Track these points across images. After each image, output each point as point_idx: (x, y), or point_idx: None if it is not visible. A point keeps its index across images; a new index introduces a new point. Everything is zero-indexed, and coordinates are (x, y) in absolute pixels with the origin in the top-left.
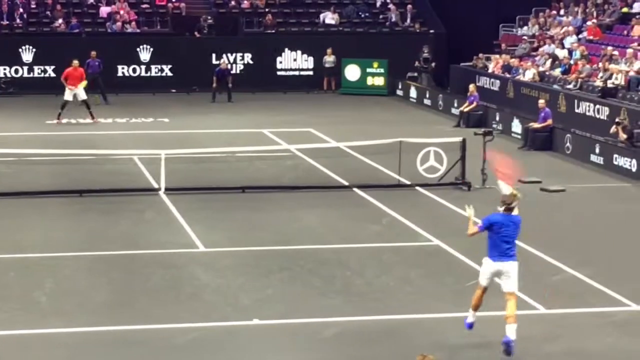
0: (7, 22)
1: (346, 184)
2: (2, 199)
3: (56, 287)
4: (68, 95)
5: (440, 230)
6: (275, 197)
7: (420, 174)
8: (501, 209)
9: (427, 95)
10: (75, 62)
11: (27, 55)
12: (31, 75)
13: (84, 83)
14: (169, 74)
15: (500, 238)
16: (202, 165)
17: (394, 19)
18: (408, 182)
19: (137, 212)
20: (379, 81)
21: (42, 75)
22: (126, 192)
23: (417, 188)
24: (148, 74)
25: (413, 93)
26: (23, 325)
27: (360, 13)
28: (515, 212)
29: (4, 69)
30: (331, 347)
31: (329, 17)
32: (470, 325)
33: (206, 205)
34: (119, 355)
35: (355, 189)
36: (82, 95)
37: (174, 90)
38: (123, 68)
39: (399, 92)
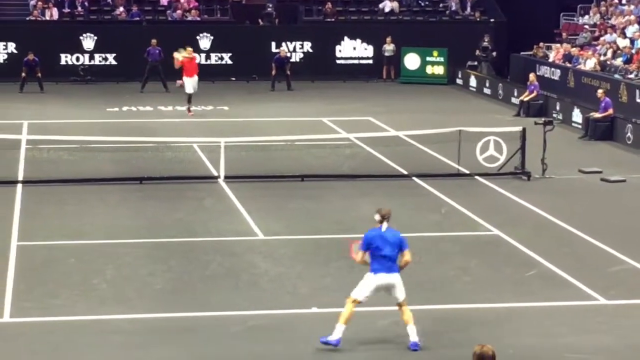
0: (69, 10)
1: (405, 172)
2: (64, 186)
3: (116, 273)
4: (189, 87)
5: (500, 220)
6: (334, 186)
7: (480, 163)
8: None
9: (487, 85)
10: (190, 49)
11: (88, 43)
12: (92, 63)
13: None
14: (229, 62)
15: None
16: (261, 153)
17: (454, 8)
18: (467, 172)
19: (196, 200)
20: (439, 70)
21: (103, 63)
22: (186, 180)
23: (477, 177)
24: (208, 62)
25: (473, 82)
26: (83, 311)
27: (420, 1)
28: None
29: (66, 57)
30: (387, 336)
31: (389, 5)
32: (338, 342)
33: (265, 194)
34: (176, 342)
35: (414, 178)
36: (194, 87)
37: (233, 79)
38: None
39: (459, 81)
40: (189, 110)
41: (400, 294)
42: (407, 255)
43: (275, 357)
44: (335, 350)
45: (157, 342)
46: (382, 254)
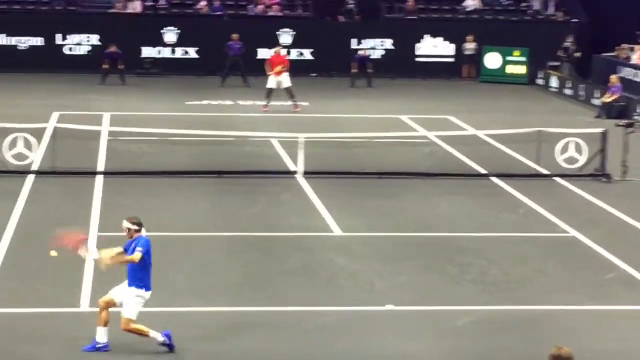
0: (152, 3)
1: (484, 172)
2: (142, 178)
3: (192, 266)
4: (271, 83)
5: (578, 222)
6: (412, 184)
7: (559, 164)
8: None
9: (568, 85)
10: (277, 48)
11: (170, 36)
12: (173, 56)
13: (278, 68)
14: (309, 57)
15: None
16: (340, 149)
17: (536, 7)
18: (546, 172)
19: (274, 195)
20: (520, 69)
21: (185, 56)
22: (264, 175)
23: (556, 178)
24: (288, 58)
25: (554, 82)
26: (159, 303)
27: (502, 0)
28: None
29: (147, 50)
30: (464, 336)
31: (471, 4)
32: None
33: (343, 190)
34: (251, 335)
35: (492, 178)
36: (286, 83)
37: (314, 74)
38: (264, 51)
39: (539, 81)
40: (264, 106)
41: None
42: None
43: (349, 353)
44: (407, 347)
45: (232, 336)
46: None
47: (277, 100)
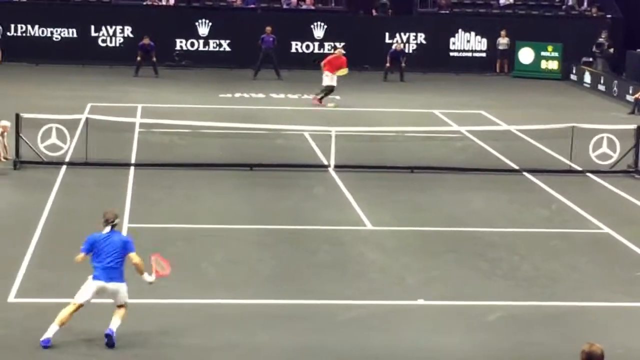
0: None
1: (516, 167)
2: (175, 170)
3: (224, 258)
4: (331, 81)
5: (611, 218)
6: (443, 179)
7: (592, 161)
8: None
9: (602, 81)
10: (339, 51)
11: (203, 28)
12: (206, 48)
13: (344, 71)
14: (342, 51)
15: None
16: (372, 143)
17: (570, 3)
18: (579, 168)
19: (306, 188)
20: (553, 65)
21: (217, 49)
22: (296, 168)
23: (589, 174)
24: (321, 51)
25: (587, 78)
26: (190, 295)
27: None
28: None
29: (180, 42)
30: (495, 331)
31: None
32: (48, 342)
33: (374, 184)
34: (282, 328)
35: (525, 173)
36: (329, 82)
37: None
38: (297, 44)
39: (573, 77)
40: (318, 99)
41: (122, 299)
42: (135, 258)
43: (379, 347)
44: (438, 341)
45: (262, 328)
46: (103, 260)
47: (310, 94)
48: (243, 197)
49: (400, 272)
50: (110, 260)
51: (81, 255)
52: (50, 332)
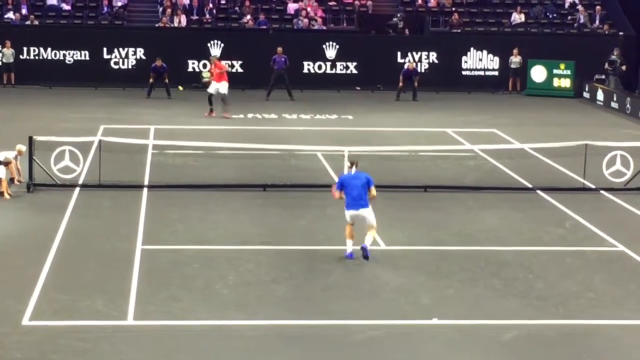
0: (197, 17)
1: (530, 186)
2: (189, 191)
3: (238, 279)
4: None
5: (626, 236)
6: (457, 197)
7: (606, 178)
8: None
9: (615, 98)
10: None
11: (215, 50)
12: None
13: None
14: (354, 71)
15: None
16: (384, 163)
17: (582, 20)
18: (593, 186)
19: (319, 208)
20: (566, 83)
21: (230, 70)
22: (309, 188)
23: (602, 192)
24: (333, 71)
25: (600, 96)
26: (204, 316)
27: (548, 13)
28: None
29: (193, 63)
30: (509, 350)
31: (516, 17)
32: (351, 255)
33: (388, 204)
34: (296, 349)
35: (538, 191)
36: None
37: (358, 88)
38: (309, 64)
39: (586, 95)
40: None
41: (370, 221)
42: (373, 191)
43: None
44: None
45: (277, 349)
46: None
47: (323, 114)
48: (256, 217)
49: (414, 292)
50: (356, 192)
51: (337, 192)
52: (349, 248)
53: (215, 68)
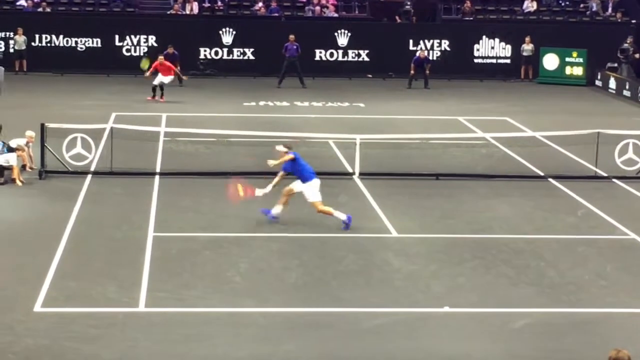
0: (209, 5)
1: (541, 174)
2: (200, 179)
3: (250, 266)
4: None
5: (638, 224)
6: (469, 185)
7: (618, 166)
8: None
9: (627, 87)
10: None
11: (227, 37)
12: (230, 57)
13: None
14: (366, 59)
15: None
16: (396, 151)
17: (594, 8)
18: (605, 174)
19: (331, 196)
20: (578, 71)
21: (241, 57)
22: (321, 176)
23: (614, 180)
24: (345, 59)
25: (612, 84)
26: (216, 303)
27: (560, 1)
28: None
29: (205, 51)
30: (521, 338)
31: (528, 5)
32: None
33: (399, 191)
34: (308, 336)
35: (550, 180)
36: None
37: (370, 75)
38: (320, 52)
39: (598, 83)
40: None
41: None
42: None
43: (405, 355)
44: (464, 349)
45: (288, 336)
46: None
47: (335, 102)
48: (268, 205)
49: (425, 280)
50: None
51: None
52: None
53: (161, 66)
